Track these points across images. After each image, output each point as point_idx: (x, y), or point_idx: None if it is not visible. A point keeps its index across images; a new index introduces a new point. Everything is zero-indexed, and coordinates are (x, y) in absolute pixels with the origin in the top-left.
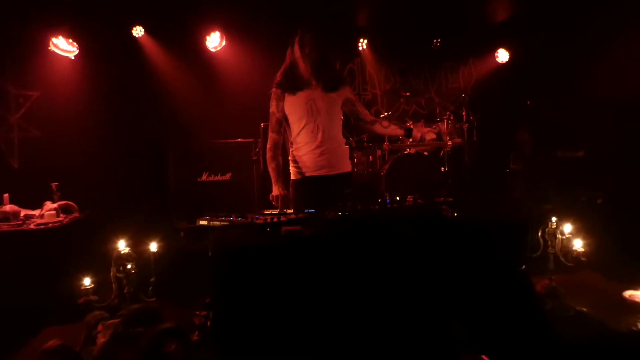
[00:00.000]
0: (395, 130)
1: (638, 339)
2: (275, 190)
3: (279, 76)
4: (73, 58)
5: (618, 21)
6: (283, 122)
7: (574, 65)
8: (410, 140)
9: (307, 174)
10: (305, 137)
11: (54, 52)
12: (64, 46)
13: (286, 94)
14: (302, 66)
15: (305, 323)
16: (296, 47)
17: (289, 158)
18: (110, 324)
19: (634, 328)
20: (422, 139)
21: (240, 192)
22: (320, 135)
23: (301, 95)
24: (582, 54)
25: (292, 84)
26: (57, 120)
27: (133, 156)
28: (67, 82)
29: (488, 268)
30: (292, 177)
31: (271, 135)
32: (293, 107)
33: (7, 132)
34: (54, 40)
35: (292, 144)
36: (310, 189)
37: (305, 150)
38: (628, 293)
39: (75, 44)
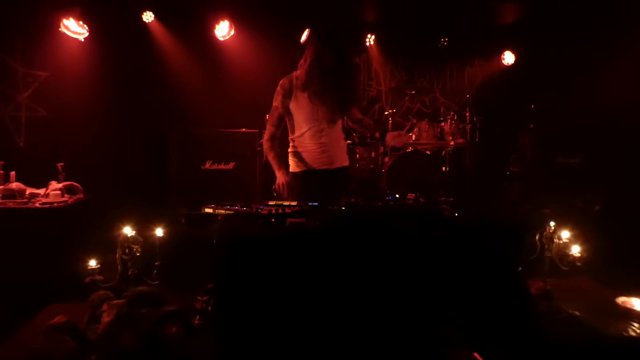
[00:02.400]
0: (369, 126)
1: (627, 344)
2: (280, 177)
3: (301, 74)
4: (83, 40)
5: (624, 26)
6: (284, 118)
7: (579, 70)
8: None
9: (307, 168)
10: (308, 138)
11: (64, 33)
12: (74, 28)
13: (296, 92)
14: (318, 80)
15: (304, 315)
16: (313, 57)
17: (289, 150)
18: (115, 304)
19: (624, 333)
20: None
21: (243, 181)
22: (324, 138)
23: (311, 98)
24: (588, 59)
25: (306, 85)
26: (65, 102)
27: (138, 141)
28: (76, 64)
29: (484, 268)
30: (291, 169)
31: (270, 128)
32: (300, 108)
33: (15, 110)
34: (65, 21)
35: (293, 140)
36: (309, 181)
37: (307, 149)
38: (621, 299)
39: (85, 26)
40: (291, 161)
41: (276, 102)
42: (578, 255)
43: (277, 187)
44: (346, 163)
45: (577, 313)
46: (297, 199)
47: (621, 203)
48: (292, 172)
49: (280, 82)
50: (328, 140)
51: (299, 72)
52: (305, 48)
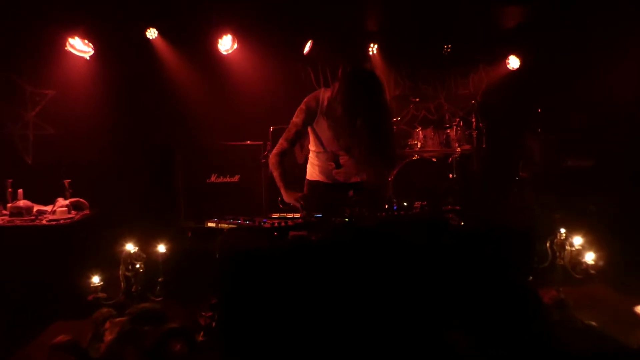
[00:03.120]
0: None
1: None
2: (287, 198)
3: (324, 101)
4: (88, 58)
5: (630, 27)
6: (302, 136)
7: (584, 72)
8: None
9: (322, 180)
10: (326, 159)
11: (70, 52)
12: (80, 46)
13: (320, 115)
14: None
15: (309, 328)
16: (339, 93)
17: (309, 156)
18: (118, 322)
19: None
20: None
21: (248, 194)
22: (341, 160)
23: (333, 126)
24: (594, 62)
25: (329, 114)
26: (71, 119)
27: (143, 156)
28: (82, 82)
29: (494, 277)
30: (307, 177)
31: (282, 143)
32: (323, 132)
33: (23, 129)
34: (71, 40)
35: (312, 151)
36: (324, 192)
37: (324, 167)
38: (639, 308)
39: (90, 44)
40: (310, 168)
41: (297, 118)
42: (592, 262)
43: (290, 203)
44: (364, 177)
45: (593, 323)
46: (312, 209)
47: (636, 207)
48: (308, 180)
49: (306, 100)
50: (345, 162)
51: (327, 95)
52: (310, 59)
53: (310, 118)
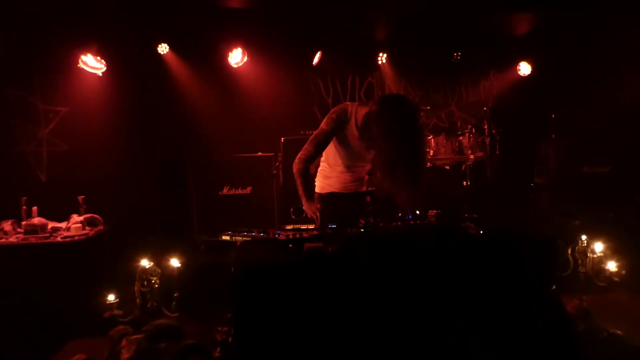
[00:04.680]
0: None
1: None
2: (308, 209)
3: (359, 118)
4: (101, 75)
5: None
6: (328, 144)
7: (597, 77)
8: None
9: (334, 191)
10: (343, 170)
11: (82, 69)
12: (92, 63)
13: (350, 129)
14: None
15: (327, 341)
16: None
17: (319, 170)
18: (134, 339)
19: None
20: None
21: (261, 205)
22: (359, 169)
23: (357, 143)
24: (606, 65)
25: (357, 134)
26: (84, 135)
27: (156, 170)
28: (95, 98)
29: (516, 287)
30: (318, 190)
31: (310, 149)
32: (346, 146)
33: (37, 146)
34: (83, 57)
35: (325, 163)
36: (337, 203)
37: (339, 179)
38: None
39: (103, 61)
40: (319, 182)
41: (328, 126)
42: (615, 270)
43: (308, 213)
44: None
45: (619, 332)
46: (329, 221)
47: None
48: (319, 194)
49: (336, 110)
50: (362, 170)
51: (361, 112)
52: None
53: (340, 129)
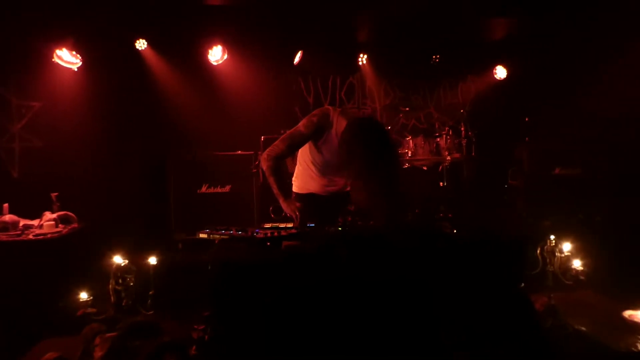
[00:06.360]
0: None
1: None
2: (287, 208)
3: (339, 127)
4: (76, 70)
5: (615, 37)
6: (302, 146)
7: (570, 81)
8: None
9: (313, 192)
10: (322, 177)
11: (57, 63)
12: (67, 58)
13: (328, 136)
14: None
15: (303, 339)
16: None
17: (294, 172)
18: (108, 338)
19: (633, 349)
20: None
21: (240, 204)
22: (335, 180)
23: (336, 153)
24: (580, 71)
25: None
26: (59, 131)
27: (133, 167)
28: (70, 93)
29: (487, 285)
30: (297, 190)
31: (283, 148)
32: (326, 152)
33: (9, 142)
34: (58, 52)
35: (305, 162)
36: (317, 202)
37: (318, 183)
38: (628, 313)
39: (78, 55)
40: (297, 181)
41: (307, 129)
42: (581, 268)
43: (287, 212)
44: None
45: (583, 328)
46: (304, 219)
47: (623, 213)
48: (295, 194)
49: (318, 112)
50: (340, 181)
51: (342, 124)
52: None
53: (318, 134)
